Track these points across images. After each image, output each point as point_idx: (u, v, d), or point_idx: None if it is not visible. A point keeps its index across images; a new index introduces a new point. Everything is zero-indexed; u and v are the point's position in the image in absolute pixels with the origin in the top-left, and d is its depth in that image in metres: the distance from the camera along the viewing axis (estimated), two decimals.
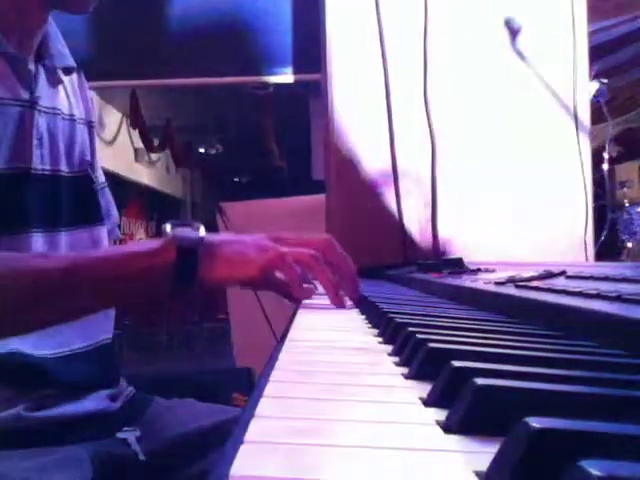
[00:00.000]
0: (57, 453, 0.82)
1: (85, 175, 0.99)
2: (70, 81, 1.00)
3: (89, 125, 1.04)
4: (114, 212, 1.12)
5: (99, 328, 0.96)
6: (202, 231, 0.77)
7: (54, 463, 0.80)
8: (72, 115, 0.98)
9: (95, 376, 0.93)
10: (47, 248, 0.89)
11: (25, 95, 0.88)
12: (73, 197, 0.95)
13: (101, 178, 1.08)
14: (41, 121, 0.90)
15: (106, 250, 0.80)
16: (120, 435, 0.90)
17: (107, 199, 1.10)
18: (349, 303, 0.87)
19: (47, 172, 0.91)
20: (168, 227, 0.76)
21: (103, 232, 1.01)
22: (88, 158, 1.01)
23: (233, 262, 0.78)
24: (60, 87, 0.97)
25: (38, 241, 0.88)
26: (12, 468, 0.77)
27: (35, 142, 0.89)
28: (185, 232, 0.76)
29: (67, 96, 0.98)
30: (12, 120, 0.86)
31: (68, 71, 0.98)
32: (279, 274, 0.82)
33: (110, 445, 0.88)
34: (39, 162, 0.89)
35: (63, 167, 0.94)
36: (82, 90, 1.04)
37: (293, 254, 0.80)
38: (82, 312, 0.80)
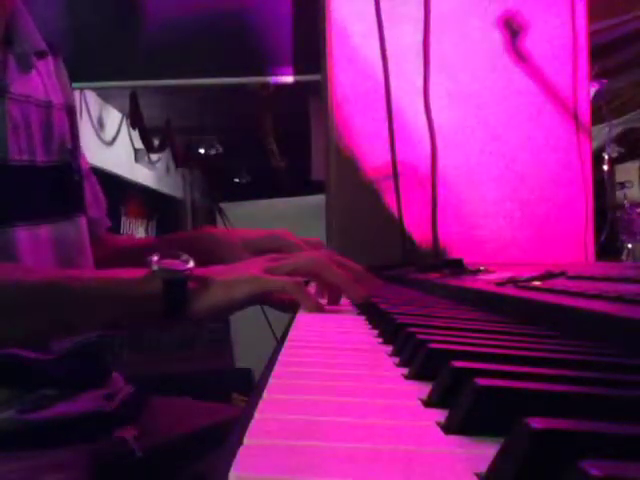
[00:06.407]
0: (53, 454, 0.81)
1: (65, 164, 0.95)
2: (45, 66, 0.96)
3: (69, 110, 1.00)
4: (102, 198, 1.09)
5: None
6: (191, 263, 0.76)
7: (50, 464, 0.80)
8: (49, 102, 0.94)
9: (89, 374, 0.93)
10: (31, 242, 0.86)
11: None
12: (52, 188, 0.92)
13: (85, 164, 1.05)
14: (14, 109, 0.86)
15: (91, 271, 0.80)
16: (117, 434, 0.90)
17: (93, 185, 1.07)
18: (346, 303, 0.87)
19: (25, 162, 0.88)
20: (155, 258, 0.76)
21: (83, 223, 0.97)
22: (68, 146, 0.97)
23: (226, 290, 0.77)
24: (33, 73, 0.93)
25: (21, 235, 0.85)
26: (8, 471, 0.77)
27: (10, 131, 0.85)
28: (173, 265, 0.76)
29: (42, 82, 0.94)
30: None
31: (41, 55, 0.95)
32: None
33: (107, 445, 0.88)
34: (16, 152, 0.86)
35: (40, 157, 0.91)
36: (60, 75, 1.00)
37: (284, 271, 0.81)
38: (66, 331, 0.80)
